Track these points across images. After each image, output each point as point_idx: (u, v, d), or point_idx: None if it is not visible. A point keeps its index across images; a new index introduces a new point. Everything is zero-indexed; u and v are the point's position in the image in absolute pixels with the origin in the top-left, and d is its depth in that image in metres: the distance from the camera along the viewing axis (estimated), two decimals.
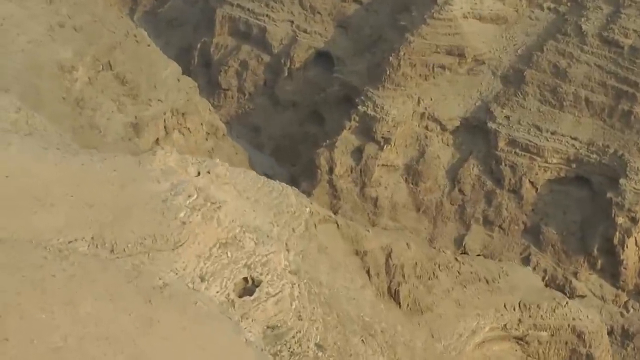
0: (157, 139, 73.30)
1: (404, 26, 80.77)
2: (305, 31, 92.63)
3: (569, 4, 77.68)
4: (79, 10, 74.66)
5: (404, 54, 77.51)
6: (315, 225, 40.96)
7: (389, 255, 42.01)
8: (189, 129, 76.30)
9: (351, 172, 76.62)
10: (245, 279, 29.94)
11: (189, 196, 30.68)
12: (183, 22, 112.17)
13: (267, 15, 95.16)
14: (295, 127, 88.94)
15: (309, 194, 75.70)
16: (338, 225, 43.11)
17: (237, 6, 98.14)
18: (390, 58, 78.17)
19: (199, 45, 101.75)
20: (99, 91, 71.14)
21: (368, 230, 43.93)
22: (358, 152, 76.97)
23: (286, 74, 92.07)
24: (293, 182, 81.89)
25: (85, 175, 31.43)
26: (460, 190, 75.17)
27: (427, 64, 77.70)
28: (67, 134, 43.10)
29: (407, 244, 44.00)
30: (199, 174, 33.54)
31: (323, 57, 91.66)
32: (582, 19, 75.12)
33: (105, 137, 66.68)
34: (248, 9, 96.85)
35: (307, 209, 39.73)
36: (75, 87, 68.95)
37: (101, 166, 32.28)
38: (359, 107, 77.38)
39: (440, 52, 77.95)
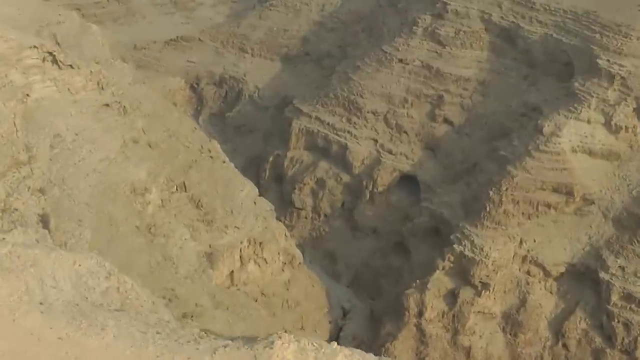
0: (232, 272, 70.33)
1: (504, 157, 76.85)
2: (390, 152, 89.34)
3: None
4: (154, 123, 73.01)
5: (507, 189, 73.37)
6: None
7: None
8: (265, 259, 73.10)
9: (442, 316, 71.99)
10: None
11: None
12: (252, 129, 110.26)
13: (348, 132, 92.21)
14: (377, 258, 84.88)
15: (394, 336, 71.45)
16: None
17: (315, 119, 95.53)
18: (490, 193, 74.06)
19: (271, 158, 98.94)
20: (172, 215, 68.85)
21: None
22: (452, 296, 72.34)
23: (367, 197, 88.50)
24: (374, 318, 77.93)
25: None
26: (565, 346, 69.76)
27: (531, 201, 73.39)
28: (159, 301, 39.49)
29: None
30: None
31: (408, 181, 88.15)
32: None
33: (178, 270, 63.69)
34: (328, 124, 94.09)
35: None
36: (147, 210, 66.73)
37: None
38: (455, 245, 73.02)
39: (546, 188, 73.52)
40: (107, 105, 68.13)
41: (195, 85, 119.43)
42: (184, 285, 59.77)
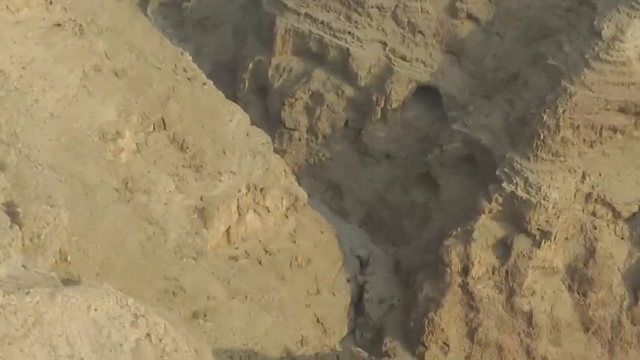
0: (229, 227, 62.74)
1: (555, 67, 68.19)
2: (403, 57, 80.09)
3: None
4: (116, 42, 64.38)
5: (564, 112, 65.23)
6: None
7: None
8: (267, 208, 65.53)
9: (493, 273, 64.98)
10: None
11: None
12: (218, 24, 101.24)
13: (349, 33, 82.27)
14: (395, 191, 77.02)
15: (437, 303, 64.66)
16: None
17: (305, 16, 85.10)
18: (544, 116, 65.67)
19: (250, 65, 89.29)
20: (151, 162, 61.19)
21: None
22: (503, 247, 64.77)
23: (378, 114, 79.88)
24: (401, 272, 71.31)
25: None
26: None
27: (593, 125, 65.43)
28: (204, 347, 31.89)
29: None
30: None
31: (427, 94, 79.88)
32: None
33: (168, 237, 56.11)
34: (322, 22, 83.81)
35: None
36: (121, 159, 58.72)
37: None
38: (504, 184, 65.33)
39: (610, 108, 65.39)
40: (59, 25, 59.27)
41: None
42: (188, 270, 52.26)
